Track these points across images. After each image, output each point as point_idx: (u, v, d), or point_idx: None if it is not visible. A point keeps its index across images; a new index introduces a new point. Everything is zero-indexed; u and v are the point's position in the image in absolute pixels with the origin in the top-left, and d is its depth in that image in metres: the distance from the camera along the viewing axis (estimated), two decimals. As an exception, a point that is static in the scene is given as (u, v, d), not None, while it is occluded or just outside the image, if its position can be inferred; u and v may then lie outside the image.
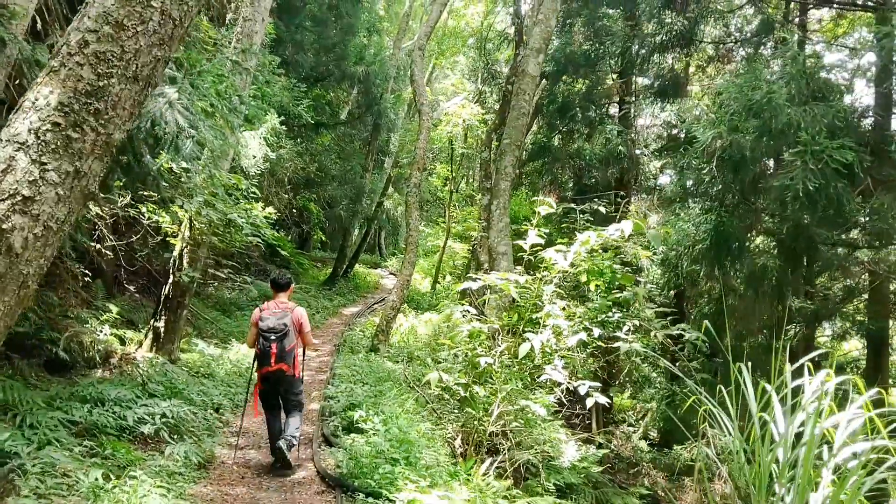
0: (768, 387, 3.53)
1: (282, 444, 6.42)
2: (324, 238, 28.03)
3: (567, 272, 7.63)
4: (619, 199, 15.30)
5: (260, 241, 10.03)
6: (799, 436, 3.37)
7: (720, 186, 7.94)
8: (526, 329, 7.93)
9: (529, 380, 7.67)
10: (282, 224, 25.52)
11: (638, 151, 15.56)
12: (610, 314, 7.22)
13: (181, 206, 7.79)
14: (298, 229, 25.30)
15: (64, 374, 8.58)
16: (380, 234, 34.89)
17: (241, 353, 11.78)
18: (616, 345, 6.79)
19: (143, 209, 10.07)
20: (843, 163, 7.17)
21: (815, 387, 3.48)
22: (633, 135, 16.03)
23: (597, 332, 7.11)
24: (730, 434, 3.56)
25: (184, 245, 10.08)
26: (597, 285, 7.92)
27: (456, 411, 9.44)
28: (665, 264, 11.23)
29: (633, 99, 16.09)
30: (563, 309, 7.67)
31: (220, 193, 8.89)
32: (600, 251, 7.58)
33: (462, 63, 20.67)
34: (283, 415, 6.79)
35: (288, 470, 6.53)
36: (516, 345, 8.03)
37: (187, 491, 5.52)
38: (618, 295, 7.31)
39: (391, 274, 29.01)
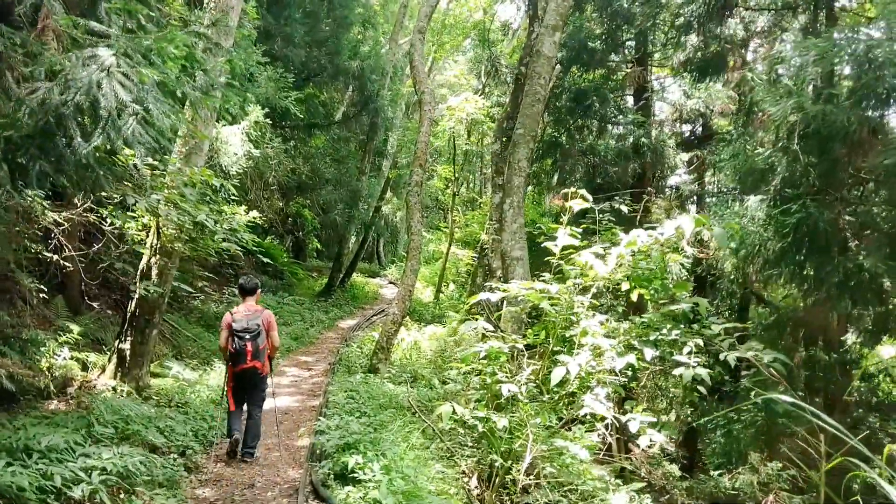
0: None
1: (246, 458, 7.04)
2: (319, 246, 26.64)
3: (608, 279, 6.26)
4: (639, 198, 13.97)
5: (238, 247, 8.63)
6: None
7: (799, 171, 6.53)
8: (556, 349, 6.57)
9: (564, 412, 6.28)
10: (275, 232, 24.18)
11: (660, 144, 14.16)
12: (665, 331, 5.84)
13: (135, 205, 6.38)
14: (292, 237, 23.92)
15: (6, 407, 7.24)
16: (378, 242, 33.49)
17: (223, 376, 10.38)
18: (677, 371, 5.39)
19: (105, 213, 8.73)
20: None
21: None
22: (655, 127, 14.68)
23: (649, 353, 5.73)
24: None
25: (151, 254, 8.71)
26: (641, 295, 6.55)
27: (470, 444, 8.07)
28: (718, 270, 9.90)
29: (655, 88, 14.74)
30: (603, 324, 6.30)
31: (187, 193, 7.51)
32: (648, 254, 6.23)
33: (462, 62, 19.34)
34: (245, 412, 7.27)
35: (243, 458, 7.06)
36: (545, 368, 6.65)
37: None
38: (674, 307, 5.93)
39: (391, 283, 27.64)
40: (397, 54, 23.54)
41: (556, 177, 17.24)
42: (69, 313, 10.20)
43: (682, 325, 5.78)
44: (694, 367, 5.43)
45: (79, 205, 8.88)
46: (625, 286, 6.47)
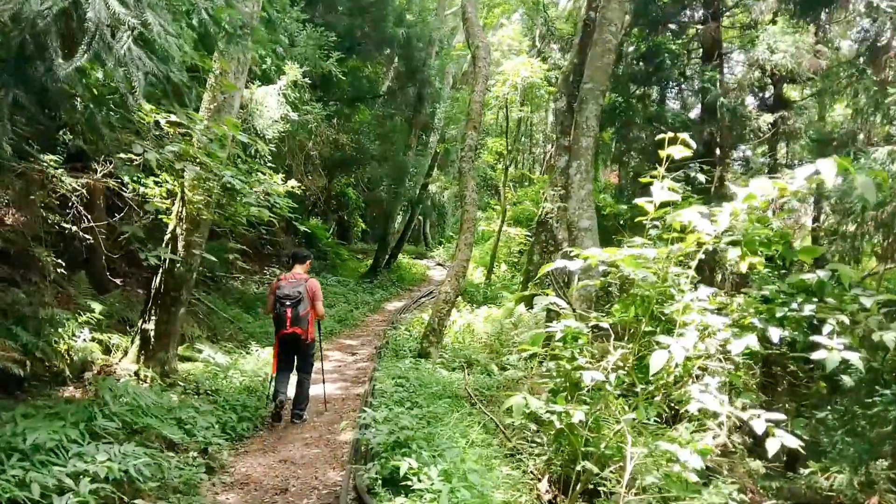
0: None
1: (294, 420, 7.29)
2: (364, 226, 25.68)
3: (716, 242, 5.05)
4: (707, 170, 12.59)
5: (272, 215, 7.62)
6: None
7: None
8: (650, 329, 5.40)
9: (665, 407, 5.12)
10: (318, 213, 23.31)
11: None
12: (795, 306, 4.62)
13: (143, 157, 5.36)
14: (336, 217, 23.02)
15: (16, 393, 6.40)
16: (424, 223, 32.38)
17: (261, 360, 9.46)
18: (816, 355, 4.18)
19: (126, 179, 7.81)
20: None
21: None
22: (732, 87, 13.23)
23: (775, 333, 4.53)
24: None
25: (177, 223, 7.76)
26: (752, 265, 5.32)
27: (539, 442, 6.96)
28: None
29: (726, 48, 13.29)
30: (711, 298, 5.10)
31: (214, 150, 6.48)
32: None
33: (515, 20, 17.92)
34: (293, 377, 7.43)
35: (292, 420, 7.31)
36: (634, 353, 5.49)
37: None
38: (805, 277, 4.71)
39: (438, 265, 26.57)
40: (443, 28, 22.35)
41: (613, 148, 15.95)
42: (94, 291, 9.37)
43: (813, 299, 4.56)
44: (839, 349, 4.21)
45: (98, 170, 8.00)
46: (732, 253, 5.25)
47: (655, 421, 5.32)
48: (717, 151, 14.22)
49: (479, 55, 10.43)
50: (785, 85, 16.80)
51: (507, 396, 6.04)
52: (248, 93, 9.64)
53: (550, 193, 11.30)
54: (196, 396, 7.32)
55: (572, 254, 5.45)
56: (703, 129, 15.58)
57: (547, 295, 5.80)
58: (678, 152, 5.25)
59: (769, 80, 15.25)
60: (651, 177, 5.50)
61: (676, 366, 4.95)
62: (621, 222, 15.42)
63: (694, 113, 17.17)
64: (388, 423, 6.21)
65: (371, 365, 10.36)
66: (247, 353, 9.93)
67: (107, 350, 8.17)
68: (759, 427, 4.47)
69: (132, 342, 7.89)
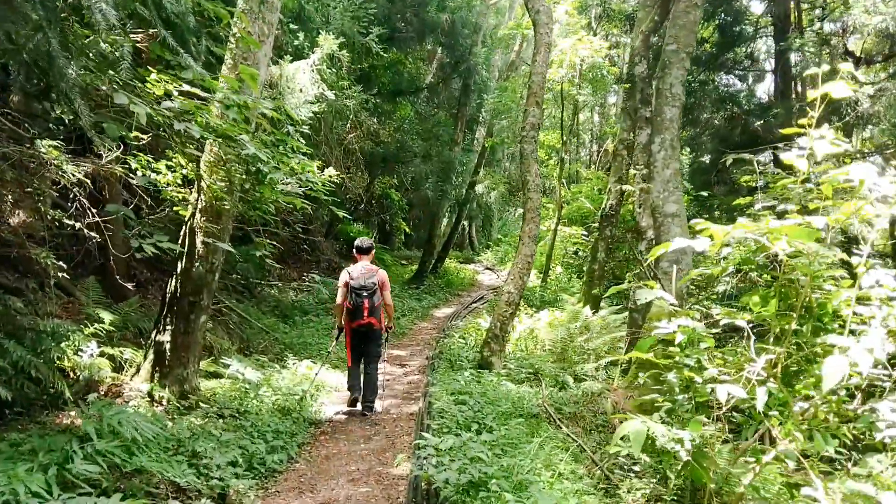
0: None
1: (366, 412, 7.29)
2: (408, 230, 24.41)
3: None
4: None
5: (306, 202, 6.35)
6: None
7: None
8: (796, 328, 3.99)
9: (847, 432, 3.68)
10: (360, 216, 22.14)
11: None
12: None
13: (131, 112, 4.09)
14: (379, 220, 21.80)
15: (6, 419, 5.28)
16: (471, 226, 30.98)
17: (299, 375, 8.24)
18: None
19: (134, 164, 6.62)
20: None
21: None
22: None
23: None
24: None
25: (195, 215, 6.56)
26: None
27: (637, 470, 5.58)
28: None
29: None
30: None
31: (232, 116, 5.23)
32: None
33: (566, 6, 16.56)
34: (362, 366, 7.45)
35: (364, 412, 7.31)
36: (781, 360, 4.04)
37: None
38: None
39: (487, 269, 25.16)
40: (489, 17, 21.05)
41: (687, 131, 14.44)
42: (108, 300, 8.25)
43: None
44: None
45: (104, 156, 6.82)
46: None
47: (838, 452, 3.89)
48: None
49: (539, 21, 9.07)
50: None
51: (610, 418, 4.69)
52: (276, 69, 8.44)
53: (632, 173, 9.87)
54: (220, 420, 6.08)
55: (700, 226, 4.04)
56: (778, 112, 14.08)
57: (650, 288, 4.43)
58: (839, 92, 3.80)
59: (849, 59, 13.76)
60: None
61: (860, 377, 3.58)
62: (696, 211, 13.93)
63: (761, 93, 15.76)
64: (454, 453, 4.88)
65: (423, 378, 9.06)
66: (283, 366, 8.71)
67: (118, 367, 7.00)
68: None
69: (144, 357, 6.68)
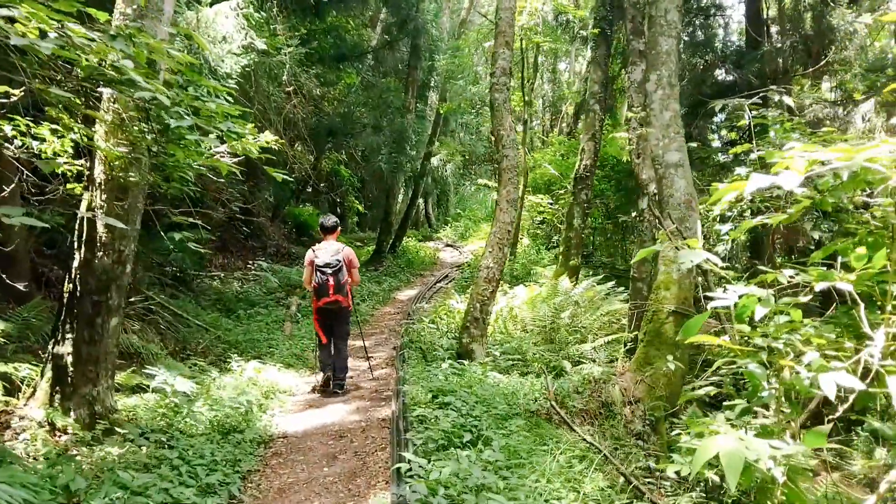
0: None
1: (336, 391, 7.16)
2: (361, 209, 22.97)
3: None
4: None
5: (236, 167, 4.95)
6: None
7: None
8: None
9: None
10: (309, 197, 20.64)
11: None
12: None
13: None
14: (328, 199, 20.35)
15: None
16: (427, 202, 29.57)
17: (246, 379, 6.90)
18: None
19: (8, 128, 5.11)
20: None
21: None
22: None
23: None
24: None
25: (92, 192, 5.12)
26: None
27: (666, 480, 4.45)
28: None
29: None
30: None
31: (125, 64, 3.81)
32: None
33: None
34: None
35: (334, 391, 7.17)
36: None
37: None
38: None
39: (448, 246, 23.88)
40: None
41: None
42: (3, 303, 6.74)
43: None
44: None
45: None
46: None
47: None
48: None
49: (503, -53, 7.77)
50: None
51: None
52: (192, 14, 6.96)
53: (627, 116, 8.66)
54: (140, 451, 4.72)
55: (783, 154, 2.81)
56: (754, 58, 13.06)
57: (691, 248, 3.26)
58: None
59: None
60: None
61: None
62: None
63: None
64: (449, 481, 3.62)
65: (393, 373, 7.79)
66: (226, 369, 7.35)
67: (14, 388, 5.55)
68: None
69: (41, 375, 5.25)
